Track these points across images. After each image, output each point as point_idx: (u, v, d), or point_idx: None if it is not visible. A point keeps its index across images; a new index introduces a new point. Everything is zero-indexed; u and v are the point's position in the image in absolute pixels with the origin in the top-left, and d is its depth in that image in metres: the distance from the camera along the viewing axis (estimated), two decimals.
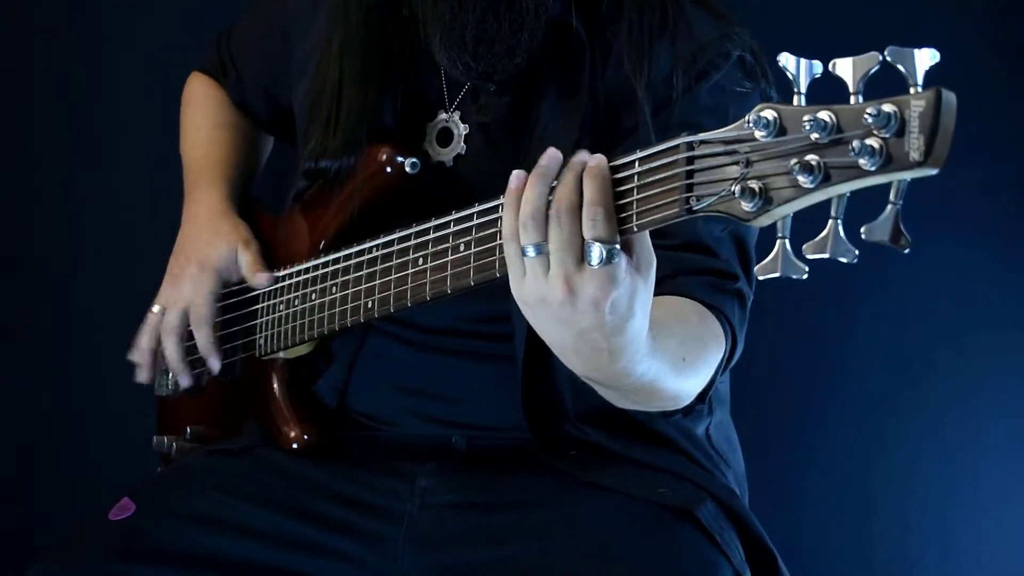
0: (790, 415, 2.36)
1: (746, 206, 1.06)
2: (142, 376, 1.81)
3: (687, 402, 1.43)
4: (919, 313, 2.31)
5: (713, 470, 1.64)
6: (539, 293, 1.19)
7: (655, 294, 1.22)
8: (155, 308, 1.77)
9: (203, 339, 1.72)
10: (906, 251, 1.00)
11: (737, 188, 1.06)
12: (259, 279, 1.70)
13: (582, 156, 1.19)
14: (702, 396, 1.45)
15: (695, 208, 1.11)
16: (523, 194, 1.19)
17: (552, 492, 1.53)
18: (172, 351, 1.75)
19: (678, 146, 1.13)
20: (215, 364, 1.73)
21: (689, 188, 1.11)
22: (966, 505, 2.32)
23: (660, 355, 1.28)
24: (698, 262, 1.47)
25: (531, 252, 1.19)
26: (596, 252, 1.16)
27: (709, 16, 1.56)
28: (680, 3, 1.56)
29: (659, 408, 1.42)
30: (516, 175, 1.21)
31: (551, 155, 1.20)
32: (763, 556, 1.53)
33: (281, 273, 1.68)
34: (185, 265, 1.75)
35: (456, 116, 1.64)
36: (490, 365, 1.62)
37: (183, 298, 1.73)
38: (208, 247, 1.75)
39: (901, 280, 2.26)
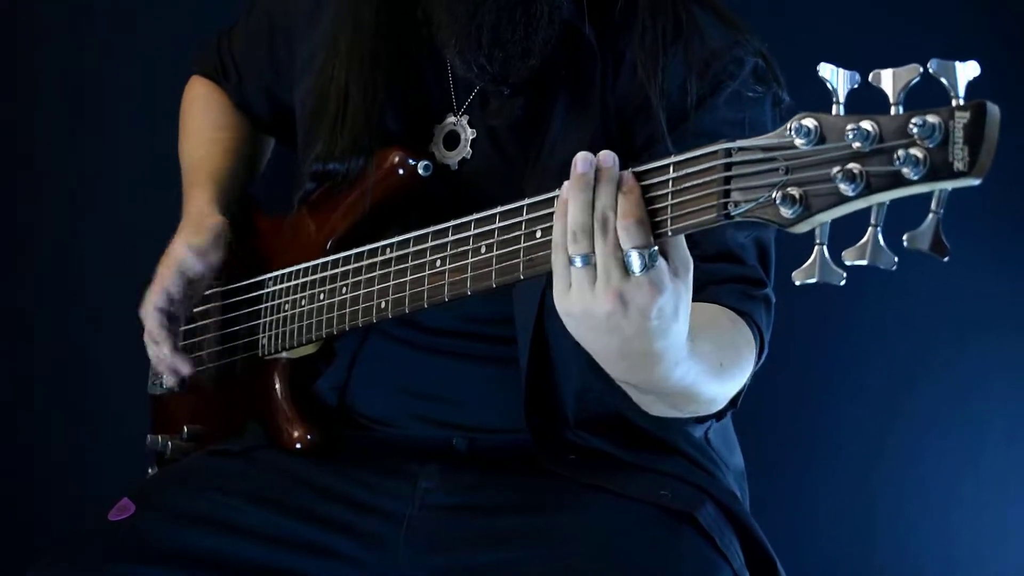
0: (790, 415, 2.36)
1: (785, 212, 1.07)
2: (169, 382, 1.81)
3: (721, 406, 1.44)
4: (919, 312, 2.32)
5: (715, 472, 1.64)
6: (585, 305, 1.20)
7: None
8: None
9: (155, 351, 1.73)
10: (945, 259, 1.01)
11: (778, 195, 1.07)
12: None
13: (611, 165, 1.19)
14: (735, 400, 1.46)
15: (733, 213, 1.12)
16: (567, 205, 1.20)
17: (553, 495, 1.54)
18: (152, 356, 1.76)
19: (716, 152, 1.13)
20: (184, 368, 1.72)
21: (727, 194, 1.12)
22: (967, 505, 2.34)
23: (698, 358, 1.29)
24: (726, 271, 1.49)
25: (579, 262, 1.19)
26: (635, 259, 1.17)
27: (718, 22, 1.57)
28: (691, 9, 1.57)
29: (694, 413, 1.43)
30: (567, 186, 1.21)
31: (587, 160, 1.20)
32: (762, 561, 1.54)
33: (287, 271, 1.67)
34: (160, 266, 1.74)
35: (464, 120, 1.63)
36: (491, 367, 1.62)
37: (148, 301, 1.72)
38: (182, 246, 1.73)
39: (901, 279, 2.23)
